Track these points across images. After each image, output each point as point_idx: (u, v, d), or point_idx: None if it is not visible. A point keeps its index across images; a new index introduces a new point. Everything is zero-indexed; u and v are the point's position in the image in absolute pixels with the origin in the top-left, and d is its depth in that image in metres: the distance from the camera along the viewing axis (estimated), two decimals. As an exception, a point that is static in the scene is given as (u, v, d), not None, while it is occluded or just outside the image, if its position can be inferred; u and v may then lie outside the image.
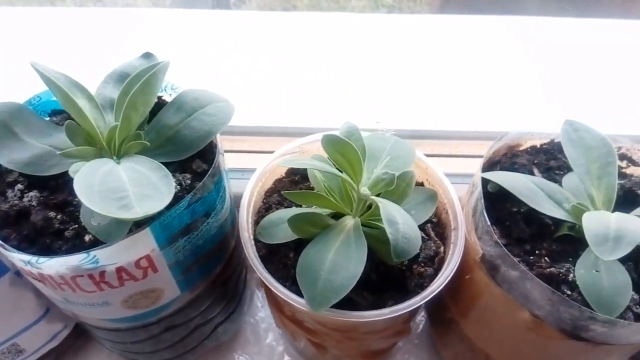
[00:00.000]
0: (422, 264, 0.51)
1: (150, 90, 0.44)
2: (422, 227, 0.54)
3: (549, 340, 0.45)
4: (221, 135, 0.71)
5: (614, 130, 0.56)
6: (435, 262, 0.51)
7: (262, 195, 0.57)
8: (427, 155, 0.72)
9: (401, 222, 0.45)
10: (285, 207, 0.55)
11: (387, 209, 0.46)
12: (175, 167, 0.46)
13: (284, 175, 0.59)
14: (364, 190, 0.47)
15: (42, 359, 0.62)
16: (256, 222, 0.54)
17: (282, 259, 0.52)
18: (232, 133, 0.70)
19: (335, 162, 0.48)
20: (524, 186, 0.48)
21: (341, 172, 0.48)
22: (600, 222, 0.42)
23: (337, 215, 0.51)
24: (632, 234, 0.40)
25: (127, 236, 0.39)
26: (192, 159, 0.47)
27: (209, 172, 0.43)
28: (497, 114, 0.82)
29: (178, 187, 0.44)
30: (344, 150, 0.47)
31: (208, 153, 0.48)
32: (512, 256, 0.43)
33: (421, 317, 0.72)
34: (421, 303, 0.46)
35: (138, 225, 0.40)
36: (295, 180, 0.59)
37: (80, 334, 0.65)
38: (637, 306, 0.44)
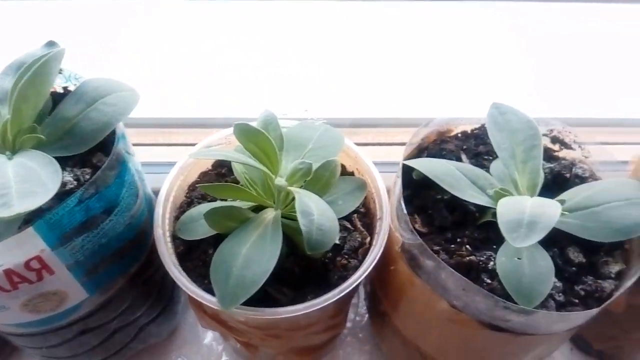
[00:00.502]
0: (346, 256, 0.49)
1: (42, 80, 0.41)
2: (349, 218, 0.52)
3: (470, 331, 0.44)
4: (149, 128, 0.69)
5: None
6: (360, 253, 0.49)
7: (184, 190, 0.54)
8: (368, 145, 0.71)
9: (317, 214, 0.43)
10: (209, 202, 0.53)
11: (303, 200, 0.44)
12: (75, 162, 0.44)
13: (210, 167, 0.57)
14: (279, 181, 0.45)
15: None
16: (178, 218, 0.52)
17: (202, 256, 0.50)
18: (161, 125, 0.67)
19: (250, 152, 0.46)
20: (447, 173, 0.46)
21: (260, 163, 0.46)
22: (515, 208, 0.40)
23: (260, 208, 0.49)
24: (547, 219, 0.39)
25: (8, 236, 0.36)
26: (93, 152, 0.44)
27: (104, 165, 0.41)
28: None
29: (75, 182, 0.42)
30: (257, 140, 0.45)
31: (112, 146, 0.45)
32: (425, 244, 0.42)
33: (365, 310, 0.70)
34: (338, 297, 0.44)
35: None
36: (222, 173, 0.57)
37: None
38: (560, 294, 0.43)
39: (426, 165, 0.47)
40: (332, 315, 0.52)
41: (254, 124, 0.48)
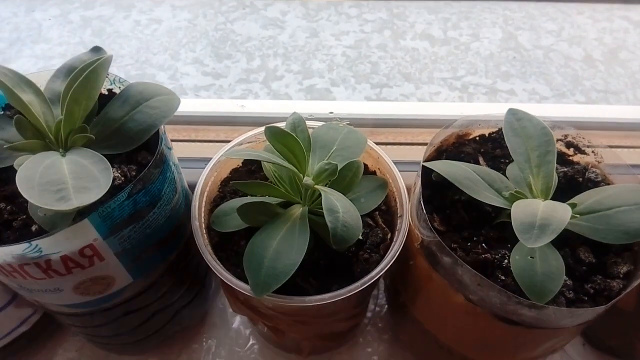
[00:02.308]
0: (369, 250, 0.52)
1: (92, 84, 0.45)
2: (371, 215, 0.56)
3: (485, 324, 0.47)
4: (183, 125, 0.73)
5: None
6: (381, 248, 0.53)
7: (217, 185, 0.58)
8: (388, 144, 0.74)
9: (342, 211, 0.47)
10: (240, 197, 0.57)
11: (329, 198, 0.47)
12: (122, 159, 0.48)
13: (240, 165, 0.61)
14: (307, 180, 0.49)
15: (14, 342, 0.65)
16: (211, 211, 0.56)
17: (234, 247, 0.54)
18: (194, 123, 0.71)
19: (280, 153, 0.50)
20: (464, 175, 0.49)
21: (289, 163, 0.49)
22: (528, 211, 0.43)
23: (288, 204, 0.53)
24: (558, 222, 0.41)
25: (67, 227, 0.41)
26: (138, 151, 0.48)
27: (150, 164, 0.45)
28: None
29: (122, 178, 0.46)
30: (287, 142, 0.49)
31: (155, 145, 0.49)
32: (442, 242, 0.45)
33: (384, 301, 0.74)
34: (361, 288, 0.48)
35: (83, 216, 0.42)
36: (251, 170, 0.60)
37: (53, 319, 0.68)
38: (570, 291, 0.46)
39: (445, 168, 0.50)
40: (354, 305, 0.55)
41: (282, 125, 0.51)
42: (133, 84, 0.50)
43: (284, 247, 0.47)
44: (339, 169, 0.51)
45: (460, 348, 0.54)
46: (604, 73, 1.02)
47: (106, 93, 0.53)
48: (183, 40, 1.08)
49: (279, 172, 0.53)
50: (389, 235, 0.54)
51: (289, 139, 0.48)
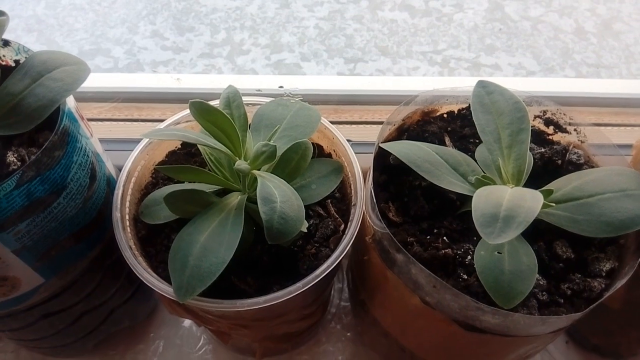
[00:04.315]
0: (317, 244, 0.46)
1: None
2: (322, 203, 0.49)
3: (445, 330, 0.40)
4: (125, 103, 0.66)
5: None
6: (331, 242, 0.46)
7: (150, 170, 0.52)
8: (353, 123, 0.67)
9: (280, 200, 0.40)
10: (175, 183, 0.50)
11: (265, 185, 0.41)
12: (22, 141, 0.41)
13: (179, 146, 0.54)
14: (240, 164, 0.42)
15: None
16: (141, 200, 0.49)
17: (164, 241, 0.47)
18: (132, 100, 0.64)
19: (209, 132, 0.43)
20: (424, 158, 0.42)
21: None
22: (491, 200, 0.36)
23: (228, 192, 0.46)
24: (526, 213, 0.35)
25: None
26: (42, 131, 0.41)
27: (44, 146, 0.38)
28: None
29: (19, 163, 0.39)
30: (215, 119, 0.42)
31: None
32: (392, 236, 0.38)
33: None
34: (304, 289, 0.41)
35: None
36: (191, 153, 0.53)
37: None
38: (544, 292, 0.39)
39: (401, 149, 0.43)
40: (303, 305, 0.49)
41: (216, 102, 0.45)
42: (37, 53, 0.42)
43: (213, 243, 0.41)
44: (283, 150, 0.45)
45: (422, 354, 0.48)
46: (596, 46, 0.94)
47: (13, 65, 0.46)
48: (143, 12, 1.00)
49: (216, 156, 0.47)
50: (342, 227, 0.47)
51: (217, 116, 0.41)
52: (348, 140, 0.59)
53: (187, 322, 0.66)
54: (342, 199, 0.50)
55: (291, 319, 0.50)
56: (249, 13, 0.99)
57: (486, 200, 0.36)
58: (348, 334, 0.65)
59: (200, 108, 0.41)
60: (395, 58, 0.91)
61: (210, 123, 0.42)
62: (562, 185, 0.41)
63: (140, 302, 0.60)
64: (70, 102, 0.44)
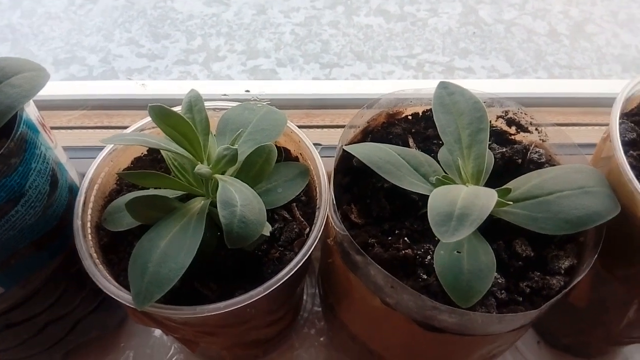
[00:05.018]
0: (282, 248, 0.46)
1: None
2: (288, 207, 0.49)
3: (407, 331, 0.40)
4: (95, 111, 0.65)
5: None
6: (295, 245, 0.46)
7: (114, 177, 0.51)
8: (325, 127, 0.67)
9: (240, 204, 0.40)
10: (140, 189, 0.50)
11: (226, 189, 0.41)
12: (-20, 148, 0.40)
13: (145, 152, 0.53)
14: (201, 168, 0.42)
15: None
16: (105, 207, 0.49)
17: (127, 248, 0.47)
18: (100, 107, 0.63)
19: (170, 137, 0.42)
20: (386, 159, 0.43)
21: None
22: (447, 198, 0.36)
23: (192, 197, 0.46)
24: (480, 211, 0.35)
25: None
26: (-1, 138, 0.41)
27: (1, 152, 0.37)
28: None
29: (-26, 171, 0.38)
30: (175, 123, 0.41)
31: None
32: (351, 237, 0.38)
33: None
34: (265, 293, 0.41)
35: None
36: (157, 159, 0.53)
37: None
38: (503, 291, 0.39)
39: (364, 151, 0.43)
40: (270, 310, 0.49)
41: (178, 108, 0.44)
42: (-6, 59, 0.42)
43: (173, 248, 0.40)
44: (247, 154, 0.45)
45: (389, 356, 0.47)
46: (569, 48, 0.96)
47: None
48: (119, 20, 0.99)
49: (179, 161, 0.46)
50: (307, 229, 0.47)
51: (177, 120, 0.41)
52: (318, 144, 0.59)
53: (158, 332, 0.65)
54: (308, 202, 0.50)
55: (258, 324, 0.50)
56: (226, 19, 0.99)
57: (442, 200, 0.36)
58: (321, 339, 0.64)
59: (160, 112, 0.41)
60: (370, 63, 0.91)
61: (170, 127, 0.41)
62: (522, 183, 0.41)
63: (109, 312, 0.59)
64: (30, 109, 0.43)
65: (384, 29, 0.97)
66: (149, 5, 1.01)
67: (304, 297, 0.67)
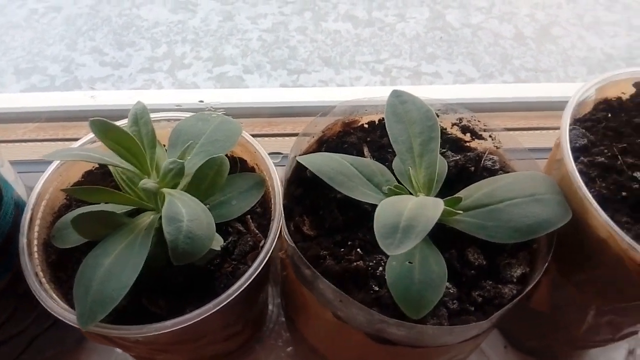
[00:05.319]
0: (235, 262, 0.45)
1: None
2: (242, 219, 0.48)
3: (361, 344, 0.40)
4: (49, 123, 0.64)
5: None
6: (249, 259, 0.45)
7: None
8: (287, 135, 0.66)
9: (187, 219, 0.39)
10: (90, 205, 0.48)
11: (173, 203, 0.40)
12: None
13: (96, 166, 0.52)
14: (147, 182, 0.41)
15: None
16: (54, 223, 0.48)
17: (75, 266, 0.45)
18: (53, 119, 0.62)
19: (114, 151, 0.41)
20: (338, 170, 0.42)
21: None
22: (394, 210, 0.36)
23: (141, 212, 0.45)
24: (425, 222, 0.34)
25: None
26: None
27: None
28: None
29: None
30: (119, 138, 0.40)
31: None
32: (297, 250, 0.37)
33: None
34: (216, 309, 0.40)
35: None
36: (109, 172, 0.52)
37: None
38: (455, 301, 0.39)
39: (315, 162, 0.42)
40: (226, 325, 0.48)
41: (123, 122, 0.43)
42: None
43: (117, 266, 0.39)
44: (198, 166, 0.44)
45: (349, 368, 0.47)
46: (535, 51, 0.96)
47: None
48: (83, 28, 0.98)
49: (127, 175, 0.45)
50: (262, 242, 0.46)
51: (120, 134, 0.40)
52: (278, 153, 0.58)
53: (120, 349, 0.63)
54: (263, 213, 0.49)
55: (215, 339, 0.49)
56: (192, 26, 0.98)
57: (389, 211, 0.36)
58: (288, 349, 0.63)
59: (102, 127, 0.40)
60: (338, 68, 0.91)
61: (113, 142, 0.40)
62: (473, 192, 0.41)
63: (67, 329, 0.57)
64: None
65: (352, 35, 0.97)
66: (114, 13, 1.00)
67: (270, 307, 0.66)
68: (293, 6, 1.02)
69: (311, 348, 0.50)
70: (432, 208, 0.36)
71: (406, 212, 0.35)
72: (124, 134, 0.40)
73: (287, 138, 0.66)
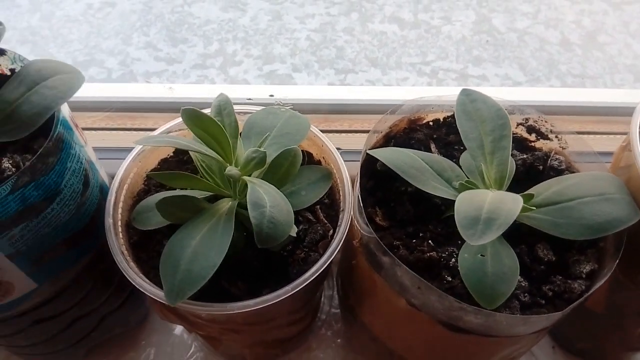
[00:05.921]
0: (306, 249, 0.47)
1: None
2: (312, 209, 0.50)
3: (431, 331, 0.41)
4: (118, 113, 0.67)
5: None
6: (320, 247, 0.47)
7: (142, 177, 0.52)
8: (343, 132, 0.68)
9: (269, 205, 0.41)
10: (168, 190, 0.51)
11: (255, 190, 0.42)
12: (17, 148, 0.42)
13: (171, 154, 0.55)
14: (230, 170, 0.43)
15: None
16: (134, 207, 0.50)
17: (156, 247, 0.48)
18: (125, 109, 0.65)
19: (200, 139, 0.44)
20: (410, 164, 0.44)
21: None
22: (474, 203, 0.37)
23: (219, 198, 0.47)
24: (506, 215, 0.36)
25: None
26: (36, 138, 0.42)
27: (39, 152, 0.39)
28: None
29: (14, 169, 0.40)
30: (206, 126, 0.43)
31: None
32: (378, 239, 0.39)
33: (341, 302, 0.68)
34: (291, 293, 0.42)
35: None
36: (183, 160, 0.54)
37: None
38: (526, 294, 0.40)
39: (388, 155, 0.44)
40: (292, 310, 0.50)
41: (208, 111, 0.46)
42: (32, 62, 0.43)
43: (204, 247, 0.41)
44: (274, 157, 0.46)
45: (410, 356, 0.48)
46: (581, 57, 0.97)
47: (8, 73, 0.47)
48: (137, 24, 1.01)
49: (207, 162, 0.48)
50: (331, 231, 0.48)
51: (208, 123, 0.42)
52: (337, 149, 0.60)
53: (179, 330, 0.66)
54: (331, 205, 0.51)
55: (281, 323, 0.51)
56: (242, 25, 1.01)
57: (468, 204, 0.37)
58: (338, 340, 0.65)
59: (192, 115, 0.42)
60: (384, 69, 0.92)
61: (201, 130, 0.43)
62: (543, 189, 0.43)
63: (132, 309, 0.61)
64: (65, 110, 0.44)
65: (398, 36, 0.99)
66: (167, 10, 1.03)
67: (322, 299, 0.68)
68: (340, 7, 1.04)
69: (372, 337, 0.51)
70: (511, 202, 0.37)
71: (486, 206, 0.37)
72: (213, 122, 0.42)
73: (343, 134, 0.68)
